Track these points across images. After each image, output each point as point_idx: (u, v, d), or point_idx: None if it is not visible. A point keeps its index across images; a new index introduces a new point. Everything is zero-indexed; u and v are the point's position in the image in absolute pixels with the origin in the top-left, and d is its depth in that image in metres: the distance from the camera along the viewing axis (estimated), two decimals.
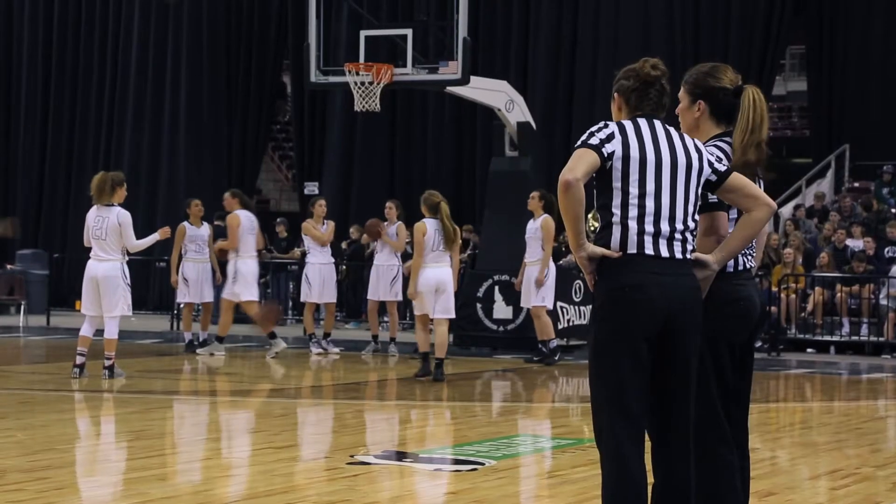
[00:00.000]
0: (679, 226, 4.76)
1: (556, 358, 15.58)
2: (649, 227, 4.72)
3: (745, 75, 5.28)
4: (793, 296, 19.39)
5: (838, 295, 19.34)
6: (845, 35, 24.13)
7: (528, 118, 18.12)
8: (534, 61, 24.40)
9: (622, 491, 4.69)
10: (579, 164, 4.68)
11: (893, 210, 22.13)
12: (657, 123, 4.86)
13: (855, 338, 19.18)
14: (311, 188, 26.07)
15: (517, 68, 24.25)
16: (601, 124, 4.82)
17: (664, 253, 4.73)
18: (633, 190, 4.73)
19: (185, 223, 16.53)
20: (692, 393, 4.83)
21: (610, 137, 4.75)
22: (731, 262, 5.08)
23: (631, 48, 23.05)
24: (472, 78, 17.61)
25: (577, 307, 17.69)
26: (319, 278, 16.44)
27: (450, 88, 18.00)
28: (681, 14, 23.47)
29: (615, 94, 4.94)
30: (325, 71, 18.22)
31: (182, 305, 17.40)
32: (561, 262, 18.66)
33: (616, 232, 4.74)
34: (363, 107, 17.36)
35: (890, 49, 23.78)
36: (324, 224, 16.60)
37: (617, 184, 4.74)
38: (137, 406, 10.82)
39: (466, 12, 17.37)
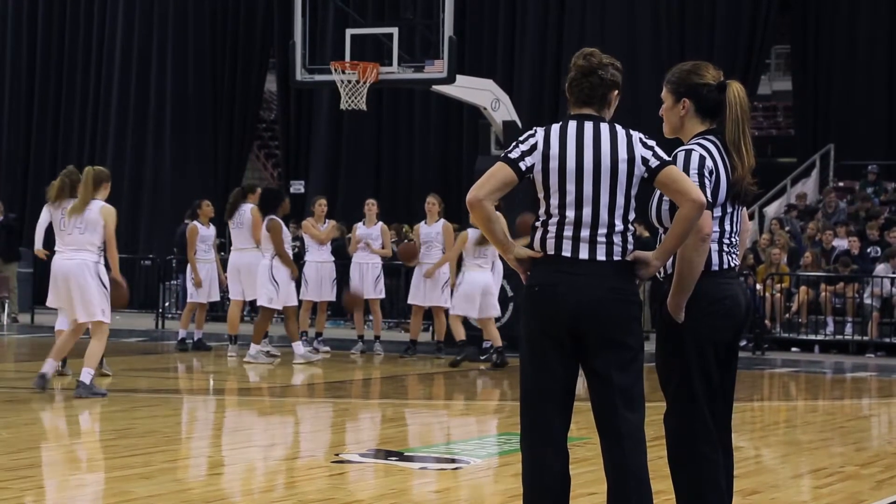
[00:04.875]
0: (602, 230, 4.81)
1: (483, 357, 15.45)
2: (568, 233, 4.82)
3: (730, 74, 5.29)
4: (777, 295, 19.44)
5: (823, 294, 19.39)
6: (830, 35, 24.18)
7: (514, 117, 18.12)
8: (520, 60, 24.41)
9: (528, 482, 4.89)
10: (488, 183, 4.80)
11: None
12: (588, 126, 4.85)
13: (839, 337, 19.23)
14: (297, 187, 26.05)
15: (503, 67, 24.26)
16: (529, 132, 4.90)
17: (582, 255, 4.81)
18: (553, 201, 4.83)
19: (196, 223, 16.53)
20: (621, 387, 4.83)
21: (532, 149, 4.82)
22: (716, 261, 5.07)
23: (617, 48, 23.07)
24: (458, 77, 17.60)
25: None
26: (317, 276, 16.37)
27: (436, 87, 18.00)
28: (667, 14, 23.52)
29: (565, 86, 4.99)
30: (310, 69, 18.20)
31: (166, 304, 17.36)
32: None
33: (538, 234, 4.88)
34: (349, 105, 17.34)
35: (875, 49, 23.84)
36: (325, 223, 16.54)
37: (539, 194, 4.88)
38: (122, 404, 10.80)
39: (452, 11, 17.37)
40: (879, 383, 15.34)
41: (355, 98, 17.22)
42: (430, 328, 18.90)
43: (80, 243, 11.12)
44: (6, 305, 21.60)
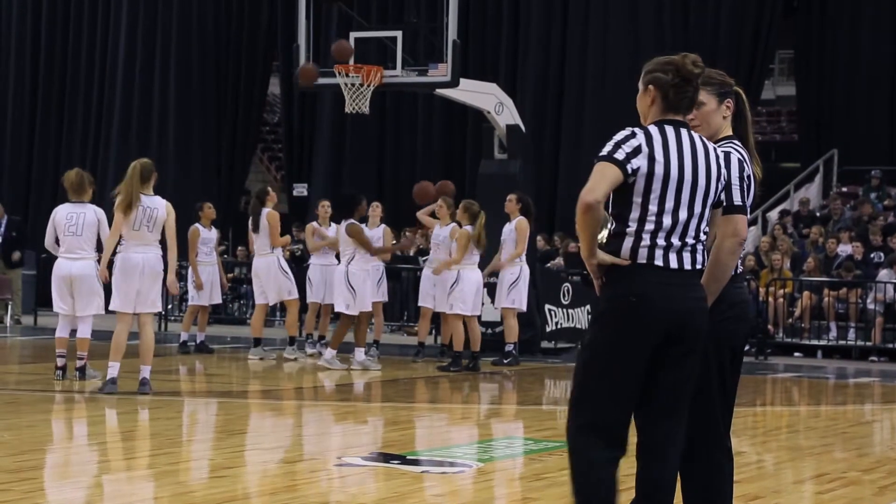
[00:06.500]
0: (690, 239, 4.74)
1: (507, 361, 15.46)
2: (661, 241, 4.69)
3: (734, 79, 5.27)
4: (780, 300, 19.44)
5: (826, 299, 19.38)
6: (834, 39, 24.19)
7: (518, 121, 18.13)
8: (523, 64, 24.42)
9: (587, 490, 4.71)
10: (601, 184, 4.61)
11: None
12: (684, 133, 4.75)
13: (842, 342, 19.23)
14: (300, 190, 26.06)
15: (506, 71, 24.27)
16: (627, 133, 4.70)
17: (673, 264, 4.70)
18: (653, 207, 4.68)
19: (198, 225, 16.54)
20: (680, 401, 4.78)
21: (637, 151, 4.66)
22: None
23: (620, 52, 23.12)
24: (462, 80, 17.61)
25: (565, 310, 17.72)
26: (321, 279, 16.32)
27: (439, 91, 18.00)
28: (670, 18, 23.51)
29: (650, 87, 4.77)
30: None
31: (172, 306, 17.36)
32: (549, 264, 18.69)
33: (628, 242, 4.70)
34: (353, 108, 17.36)
35: (879, 54, 23.84)
36: (330, 225, 16.47)
37: (637, 199, 4.69)
38: (125, 407, 10.80)
39: (456, 14, 17.38)
40: (882, 388, 15.33)
41: (359, 101, 17.24)
42: (434, 331, 18.89)
43: (148, 239, 11.57)
44: (9, 307, 21.61)
